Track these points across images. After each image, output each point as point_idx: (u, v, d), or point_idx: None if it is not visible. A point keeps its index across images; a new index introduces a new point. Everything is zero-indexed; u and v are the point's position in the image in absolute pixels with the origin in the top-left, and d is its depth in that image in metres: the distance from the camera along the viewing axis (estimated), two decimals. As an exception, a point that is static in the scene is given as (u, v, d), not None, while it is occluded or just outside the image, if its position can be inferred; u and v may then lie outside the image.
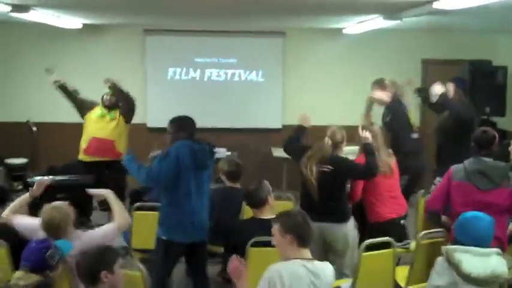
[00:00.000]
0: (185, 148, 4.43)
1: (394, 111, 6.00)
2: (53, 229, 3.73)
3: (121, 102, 6.69)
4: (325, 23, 8.27)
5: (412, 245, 4.94)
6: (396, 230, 4.94)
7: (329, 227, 4.73)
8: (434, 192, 4.71)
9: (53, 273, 3.29)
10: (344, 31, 8.78)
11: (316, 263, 3.31)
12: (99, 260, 3.10)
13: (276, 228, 3.36)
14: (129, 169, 4.54)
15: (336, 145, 4.85)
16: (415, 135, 6.02)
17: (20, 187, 8.25)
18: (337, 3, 5.92)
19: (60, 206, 3.86)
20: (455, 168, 4.46)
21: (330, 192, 4.76)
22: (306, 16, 7.41)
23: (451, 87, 6.24)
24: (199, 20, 8.12)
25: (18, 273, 3.22)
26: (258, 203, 4.41)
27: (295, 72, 9.34)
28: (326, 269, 3.34)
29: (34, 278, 3.16)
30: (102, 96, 6.73)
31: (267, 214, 4.36)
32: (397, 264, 4.65)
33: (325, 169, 4.75)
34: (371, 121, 5.83)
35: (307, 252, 3.32)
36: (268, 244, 3.59)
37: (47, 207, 3.85)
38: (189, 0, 5.82)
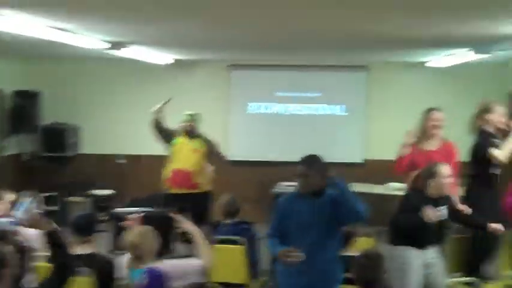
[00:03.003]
0: None
1: None
2: (135, 252, 3.74)
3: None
4: (409, 56, 8.17)
5: (496, 285, 4.71)
6: None
7: None
8: None
9: None
10: (426, 64, 8.63)
11: None
12: None
13: None
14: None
15: None
16: None
17: (105, 218, 8.49)
18: (426, 38, 5.85)
19: (146, 230, 3.82)
20: None
21: None
22: (391, 50, 7.35)
23: None
24: (282, 54, 8.22)
25: None
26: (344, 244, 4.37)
27: (378, 106, 9.24)
28: None
29: None
30: (181, 126, 6.79)
31: (352, 252, 4.33)
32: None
33: None
34: None
35: None
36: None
37: (132, 231, 3.82)
38: (272, 36, 5.92)
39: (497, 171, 5.57)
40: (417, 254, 4.58)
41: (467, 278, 4.23)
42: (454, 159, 5.44)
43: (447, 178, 4.59)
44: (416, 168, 5.36)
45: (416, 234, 4.55)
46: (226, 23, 5.14)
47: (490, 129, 5.50)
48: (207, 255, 3.92)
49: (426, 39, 6.01)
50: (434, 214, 4.36)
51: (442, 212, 4.61)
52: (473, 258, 5.33)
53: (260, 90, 9.41)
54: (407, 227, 4.55)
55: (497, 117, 5.51)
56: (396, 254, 4.58)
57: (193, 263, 3.89)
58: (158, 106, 6.89)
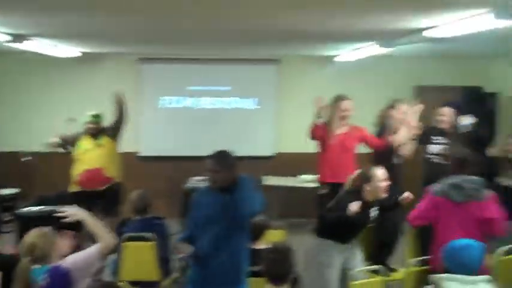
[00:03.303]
0: None
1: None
2: (34, 254, 3.61)
3: (117, 115, 6.72)
4: (319, 50, 8.31)
5: (401, 272, 4.90)
6: None
7: None
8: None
9: None
10: (335, 58, 8.82)
11: None
12: None
13: None
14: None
15: None
16: None
17: (10, 218, 8.14)
18: (332, 32, 5.97)
19: (44, 232, 3.72)
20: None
21: None
22: (301, 44, 7.45)
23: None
24: (194, 47, 8.16)
25: None
26: (255, 237, 4.38)
27: (289, 100, 9.34)
28: None
29: None
30: (85, 127, 6.71)
31: (261, 245, 4.35)
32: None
33: None
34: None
35: None
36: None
37: (30, 233, 3.70)
38: (182, 29, 5.85)
39: (399, 161, 6.02)
40: (341, 248, 4.67)
41: (375, 266, 4.36)
42: (366, 134, 5.94)
43: (382, 181, 4.61)
44: (327, 149, 5.83)
45: (342, 231, 4.63)
46: (133, 15, 5.02)
47: (391, 123, 5.90)
48: (105, 238, 3.78)
49: (333, 33, 6.14)
50: (357, 206, 4.41)
51: (374, 213, 4.71)
52: (378, 247, 5.54)
53: (171, 84, 9.29)
54: (335, 223, 4.58)
55: (397, 113, 5.91)
56: (322, 247, 4.66)
57: (90, 250, 3.78)
58: (53, 141, 6.77)
